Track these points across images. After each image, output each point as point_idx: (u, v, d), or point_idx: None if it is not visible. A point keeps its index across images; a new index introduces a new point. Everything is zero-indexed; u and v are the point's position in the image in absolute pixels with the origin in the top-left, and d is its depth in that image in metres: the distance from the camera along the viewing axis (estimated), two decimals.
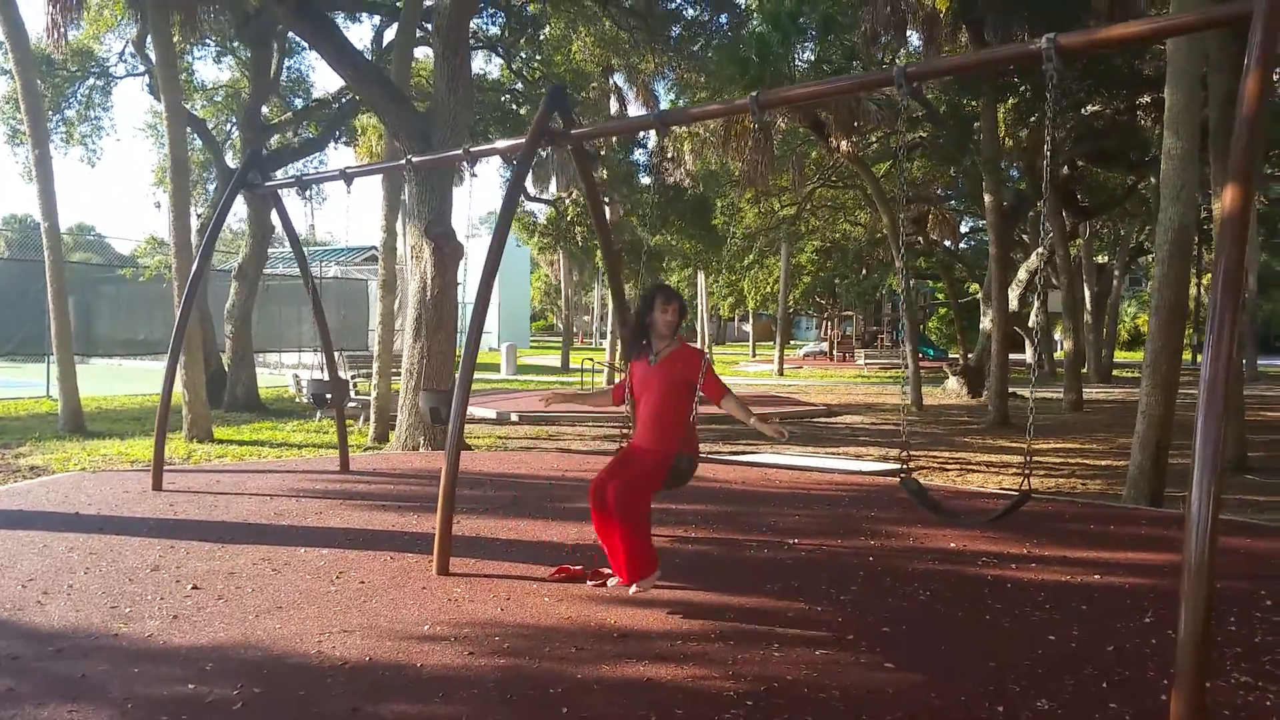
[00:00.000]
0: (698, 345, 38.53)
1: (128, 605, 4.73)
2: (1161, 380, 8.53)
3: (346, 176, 7.18)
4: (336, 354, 23.84)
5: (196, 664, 3.97)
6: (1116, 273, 32.79)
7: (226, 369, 17.15)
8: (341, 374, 16.27)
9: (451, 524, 5.50)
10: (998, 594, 5.20)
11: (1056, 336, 39.09)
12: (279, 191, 8.52)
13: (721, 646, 4.25)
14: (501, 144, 6.36)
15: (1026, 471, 4.28)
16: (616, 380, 5.55)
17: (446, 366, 9.89)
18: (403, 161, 6.74)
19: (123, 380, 22.42)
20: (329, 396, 8.16)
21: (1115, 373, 32.30)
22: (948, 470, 11.39)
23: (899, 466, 4.49)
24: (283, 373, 16.09)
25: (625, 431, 5.38)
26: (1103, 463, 12.34)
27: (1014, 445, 13.85)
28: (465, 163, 6.53)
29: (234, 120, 19.07)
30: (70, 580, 5.16)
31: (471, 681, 3.78)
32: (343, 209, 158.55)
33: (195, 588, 5.05)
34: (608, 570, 5.41)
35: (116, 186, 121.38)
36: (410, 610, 4.72)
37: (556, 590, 5.12)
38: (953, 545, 6.36)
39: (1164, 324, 8.33)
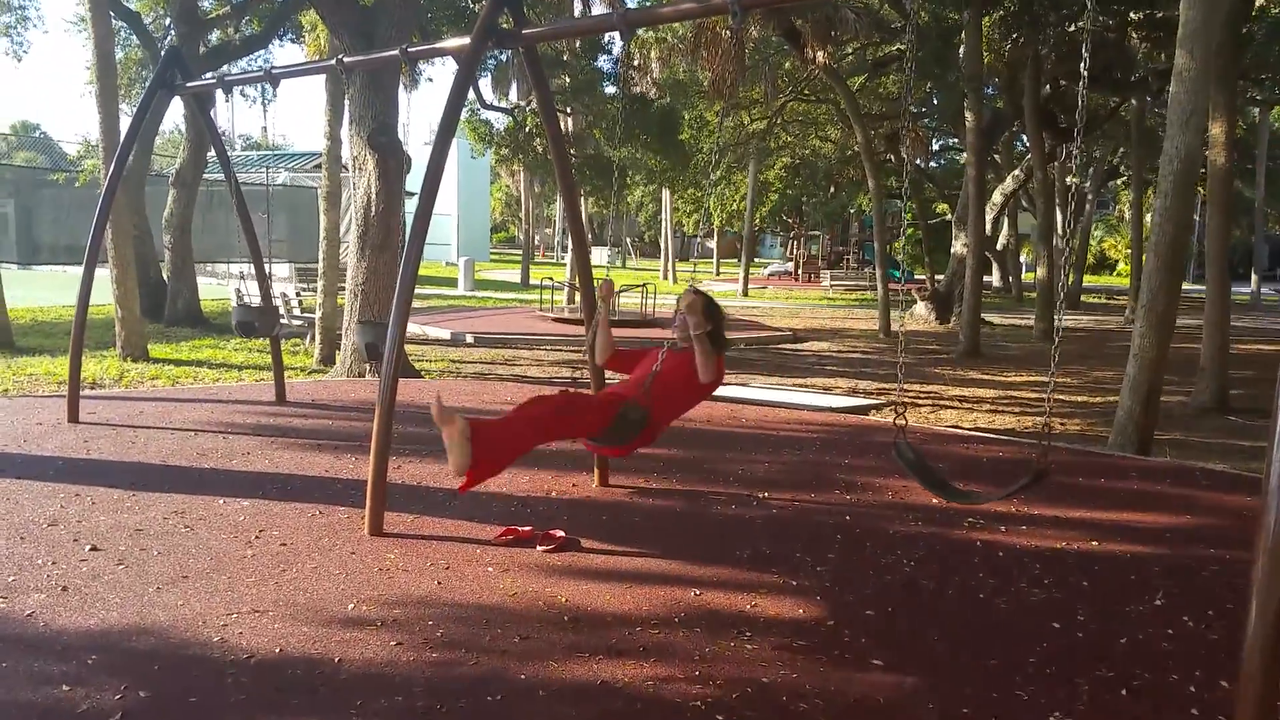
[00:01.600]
0: (660, 264, 37.60)
1: (11, 572, 4.12)
2: (1157, 320, 8.03)
3: (272, 78, 6.39)
4: (287, 265, 22.97)
5: (78, 655, 3.39)
6: (1090, 197, 32.33)
7: (167, 281, 16.25)
8: (287, 288, 15.48)
9: (385, 478, 4.92)
10: (989, 565, 4.73)
11: (1022, 260, 38.85)
12: (211, 93, 7.71)
13: (686, 636, 3.74)
14: (444, 44, 5.61)
15: (1045, 442, 3.69)
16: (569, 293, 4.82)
17: (391, 289, 9.18)
18: (332, 61, 5.96)
19: (65, 290, 21.35)
20: (256, 325, 7.47)
21: (1084, 299, 32.15)
22: (920, 406, 10.95)
23: (893, 428, 3.92)
24: (230, 284, 15.25)
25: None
26: (1079, 398, 11.99)
27: (987, 378, 13.48)
28: (405, 63, 5.76)
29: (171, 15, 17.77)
30: None
31: (396, 685, 3.24)
32: (300, 110, 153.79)
33: (94, 548, 4.45)
34: (559, 532, 4.89)
35: (64, 84, 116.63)
36: (335, 582, 4.16)
37: (502, 557, 4.58)
38: (935, 501, 5.85)
39: (1164, 261, 7.80)
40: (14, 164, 35.65)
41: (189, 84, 7.22)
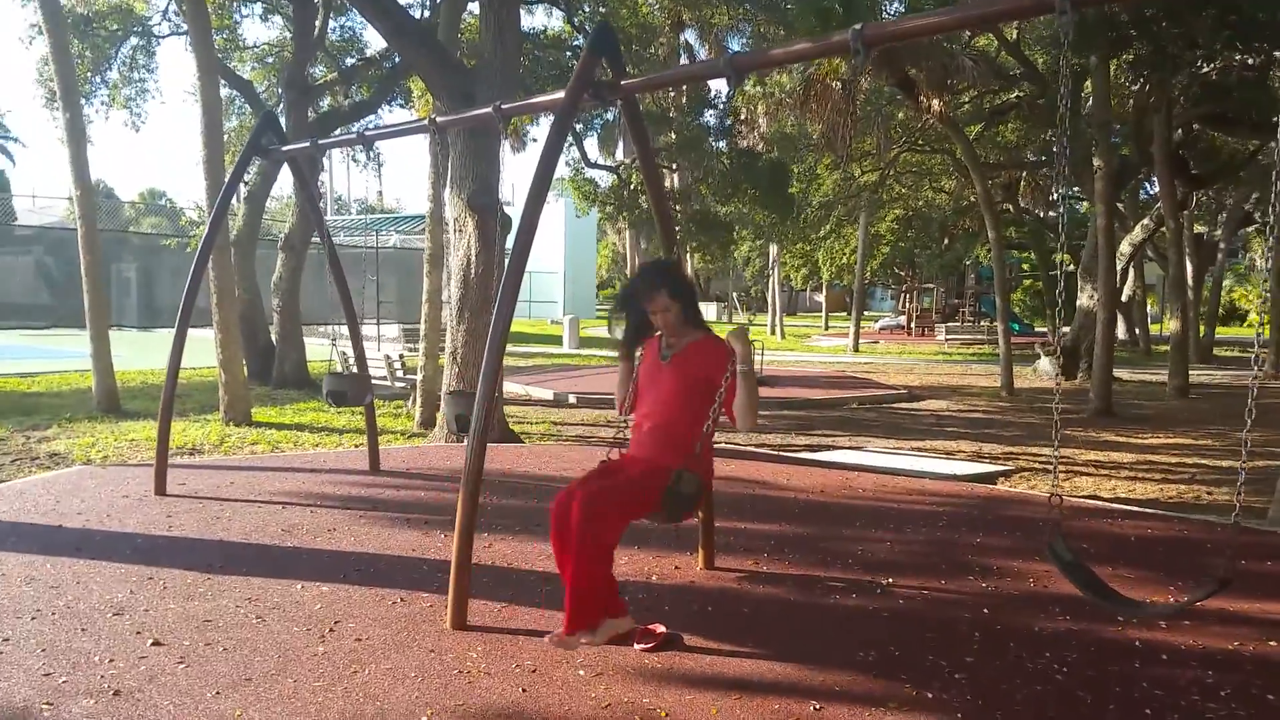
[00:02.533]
0: (769, 319, 37.11)
1: (65, 671, 3.82)
2: None
3: (365, 140, 6.21)
4: (395, 327, 23.21)
5: None
6: (1221, 245, 30.57)
7: (275, 343, 16.45)
8: (394, 349, 15.46)
9: (469, 566, 4.48)
10: (1152, 671, 4.04)
11: (1150, 312, 36.95)
12: (312, 157, 7.63)
13: None
14: (538, 99, 5.30)
15: (1230, 552, 3.05)
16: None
17: None
18: (424, 122, 5.71)
19: (186, 353, 22.00)
20: (347, 394, 7.22)
21: (1216, 351, 30.25)
22: (1051, 472, 10.10)
23: (1050, 534, 3.36)
24: (333, 348, 15.41)
25: (620, 437, 4.28)
26: (1224, 463, 10.94)
27: (1122, 440, 12.48)
28: (501, 122, 5.47)
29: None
30: (11, 628, 4.28)
31: None
32: (414, 175, 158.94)
33: (156, 643, 4.13)
34: (659, 627, 4.37)
35: (187, 153, 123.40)
36: (409, 688, 3.73)
37: (595, 657, 4.09)
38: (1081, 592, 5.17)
39: None
40: (141, 230, 37.35)
41: (283, 148, 7.11)
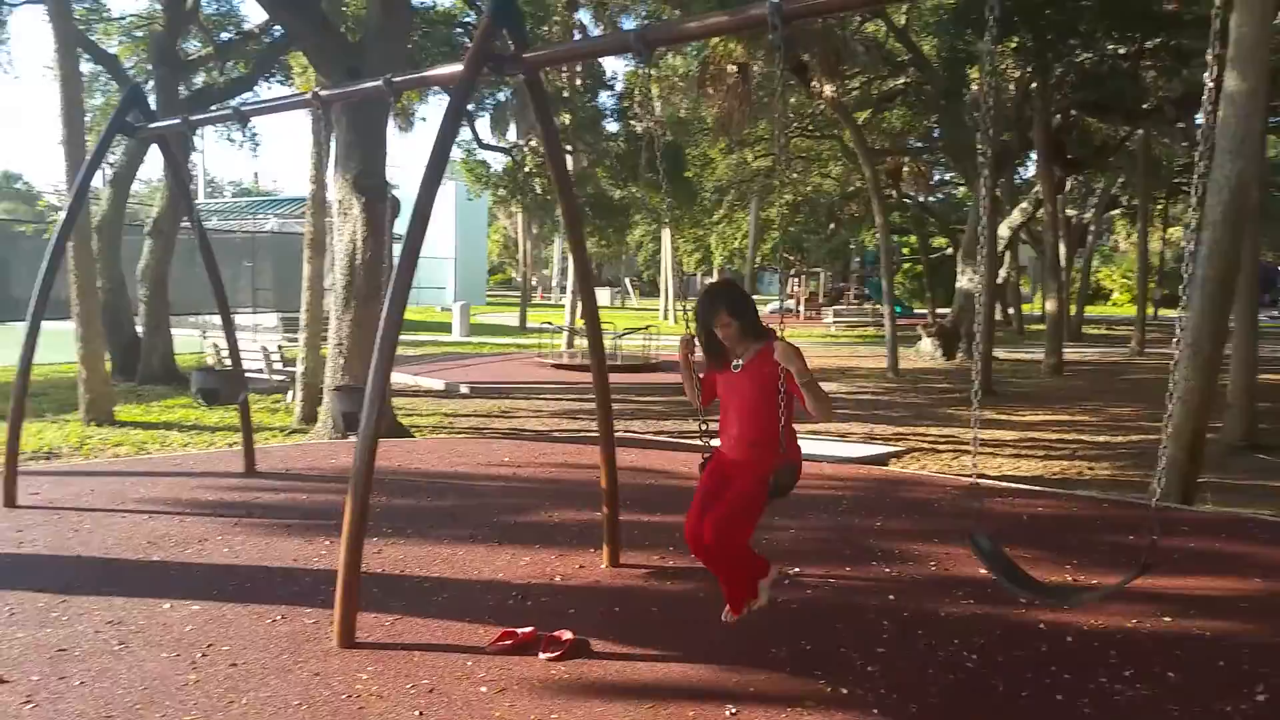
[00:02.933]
0: (660, 304, 36.95)
1: None
2: (1203, 364, 7.39)
3: (240, 115, 5.77)
4: (274, 315, 22.28)
5: None
6: (1091, 228, 31.81)
7: (142, 336, 15.50)
8: (271, 340, 14.75)
9: (358, 579, 4.16)
10: (1059, 654, 4.07)
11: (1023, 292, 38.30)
12: (183, 135, 7.08)
13: None
14: (434, 72, 4.95)
15: (1154, 535, 3.00)
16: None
17: None
18: (308, 95, 5.30)
19: (42, 347, 20.68)
20: (220, 391, 6.73)
21: (1085, 329, 31.51)
22: (940, 451, 10.25)
23: (972, 525, 3.27)
24: (211, 337, 14.57)
25: (709, 442, 4.38)
26: (1101, 438, 11.31)
27: (1004, 418, 12.79)
28: (393, 97, 5.11)
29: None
30: None
31: None
32: (293, 156, 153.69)
33: (0, 680, 3.69)
34: (565, 634, 4.14)
35: (48, 132, 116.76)
36: (293, 717, 3.40)
37: (498, 670, 3.83)
38: (983, 573, 5.10)
39: (1210, 299, 7.13)
40: None
41: (150, 125, 6.56)
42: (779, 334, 4.02)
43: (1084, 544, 5.79)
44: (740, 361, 4.20)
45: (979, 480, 3.58)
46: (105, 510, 6.35)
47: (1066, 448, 10.62)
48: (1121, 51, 15.98)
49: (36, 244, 25.31)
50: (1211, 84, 2.97)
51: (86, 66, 15.96)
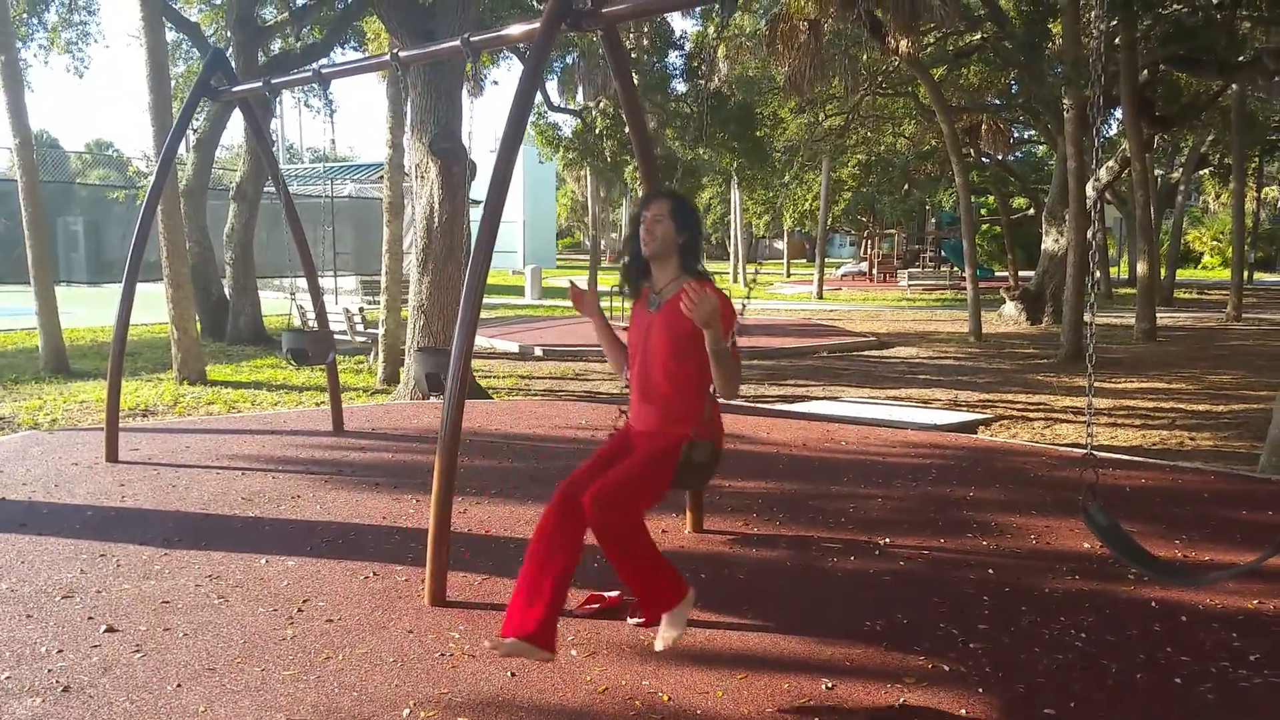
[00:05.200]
0: (731, 266, 36.73)
1: (9, 666, 3.48)
2: None
3: (321, 77, 5.75)
4: (353, 279, 22.60)
5: None
6: (1180, 188, 30.64)
7: (229, 298, 15.88)
8: (352, 302, 14.98)
9: (447, 538, 4.18)
10: (1175, 635, 3.84)
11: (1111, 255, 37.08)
12: (264, 98, 7.15)
13: None
14: (511, 29, 4.89)
15: None
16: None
17: (455, 305, 8.53)
18: (386, 56, 5.28)
19: (136, 309, 21.31)
20: (309, 352, 6.83)
21: (1176, 294, 30.45)
22: (1031, 420, 9.98)
23: (1082, 495, 3.13)
24: (297, 299, 14.86)
25: (622, 409, 3.73)
26: (1200, 407, 10.88)
27: (1098, 386, 12.36)
28: (469, 57, 5.06)
29: None
30: None
31: None
32: (369, 122, 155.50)
33: (110, 629, 3.80)
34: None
35: (135, 100, 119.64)
36: (388, 675, 3.44)
37: (588, 634, 3.83)
38: (1086, 546, 4.99)
39: None
40: (88, 182, 36.07)
41: (233, 88, 6.62)
42: (716, 284, 3.32)
43: (1193, 517, 5.55)
44: (658, 298, 3.45)
45: (1094, 452, 3.40)
46: (201, 466, 6.52)
47: (1165, 416, 10.26)
48: (1215, 1, 15.25)
49: (128, 209, 26.08)
50: None
51: (170, 35, 16.22)
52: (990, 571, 4.61)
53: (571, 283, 3.98)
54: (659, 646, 3.47)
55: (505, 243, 45.79)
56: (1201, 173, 35.32)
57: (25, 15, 16.09)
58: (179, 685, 3.34)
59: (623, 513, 3.18)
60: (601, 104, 20.76)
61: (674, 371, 3.38)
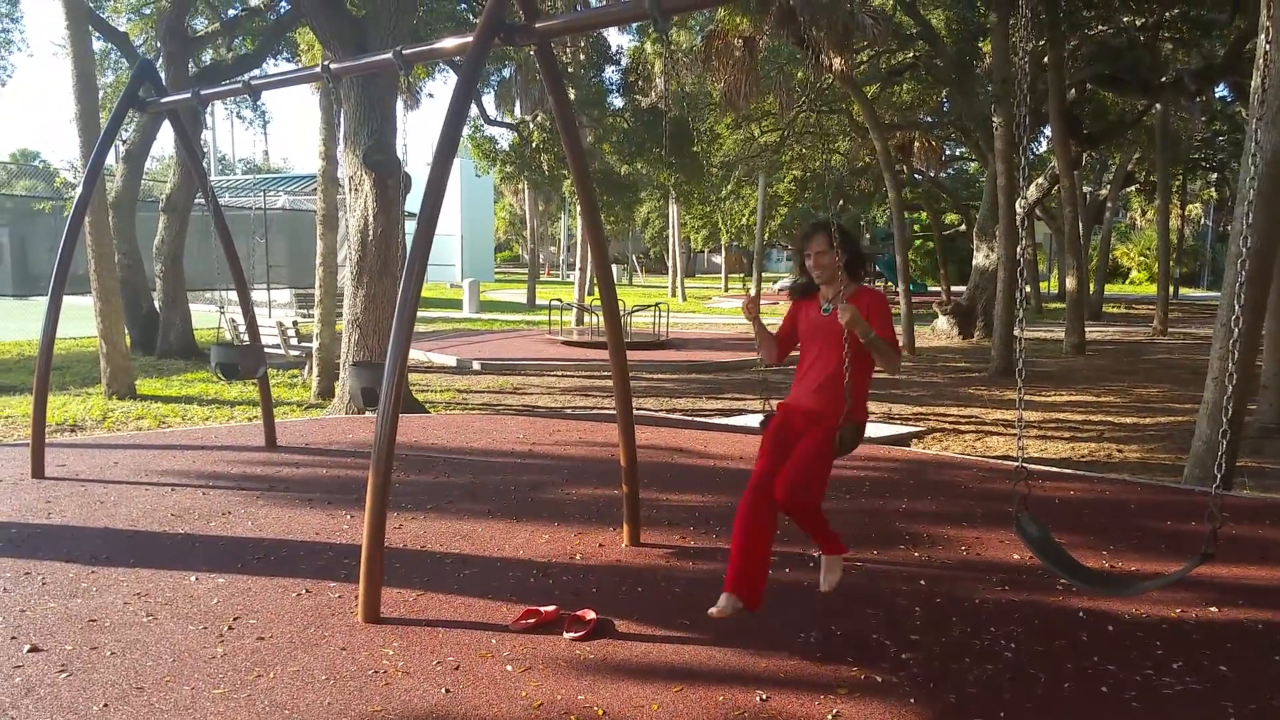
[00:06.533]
0: (669, 280, 36.81)
1: None
2: (1243, 341, 7.24)
3: (251, 89, 5.68)
4: (287, 291, 22.25)
5: None
6: (1109, 204, 31.53)
7: (159, 311, 15.53)
8: (286, 315, 14.76)
9: (382, 554, 4.13)
10: (1101, 643, 3.95)
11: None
12: (194, 110, 7.02)
13: None
14: (445, 42, 4.88)
15: (1215, 523, 2.87)
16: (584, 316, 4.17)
17: (390, 319, 8.45)
18: (317, 68, 5.23)
19: (63, 322, 20.70)
20: (239, 366, 6.71)
21: (1106, 308, 31.30)
22: (963, 433, 10.18)
23: (1014, 506, 3.21)
24: (229, 312, 14.61)
25: (770, 400, 4.34)
26: (1128, 420, 11.19)
27: (1028, 399, 12.65)
28: (402, 69, 5.04)
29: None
30: None
31: None
32: (302, 132, 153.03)
33: (34, 649, 3.70)
34: (589, 613, 4.12)
35: (62, 110, 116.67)
36: (320, 693, 3.39)
37: (523, 649, 3.81)
38: (1016, 557, 5.12)
39: (1251, 275, 6.97)
40: (13, 193, 35.05)
41: (162, 99, 6.51)
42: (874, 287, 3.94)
43: (1120, 529, 5.71)
44: (830, 305, 4.05)
45: (1024, 465, 3.49)
46: (130, 482, 6.36)
47: (1093, 429, 10.53)
48: (1139, 23, 15.77)
49: (55, 220, 25.37)
50: (1269, 45, 2.88)
51: (97, 44, 15.88)
52: (922, 583, 4.69)
53: (747, 291, 4.43)
54: (824, 588, 4.18)
55: (443, 255, 45.46)
56: (1128, 190, 36.38)
57: None
58: (106, 705, 3.26)
59: (810, 498, 3.84)
60: (538, 117, 20.76)
61: (835, 365, 3.96)
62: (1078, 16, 13.52)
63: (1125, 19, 15.99)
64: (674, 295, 38.06)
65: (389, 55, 4.88)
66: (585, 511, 5.88)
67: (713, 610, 3.67)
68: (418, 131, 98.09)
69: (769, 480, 3.87)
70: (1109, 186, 31.77)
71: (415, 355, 15.84)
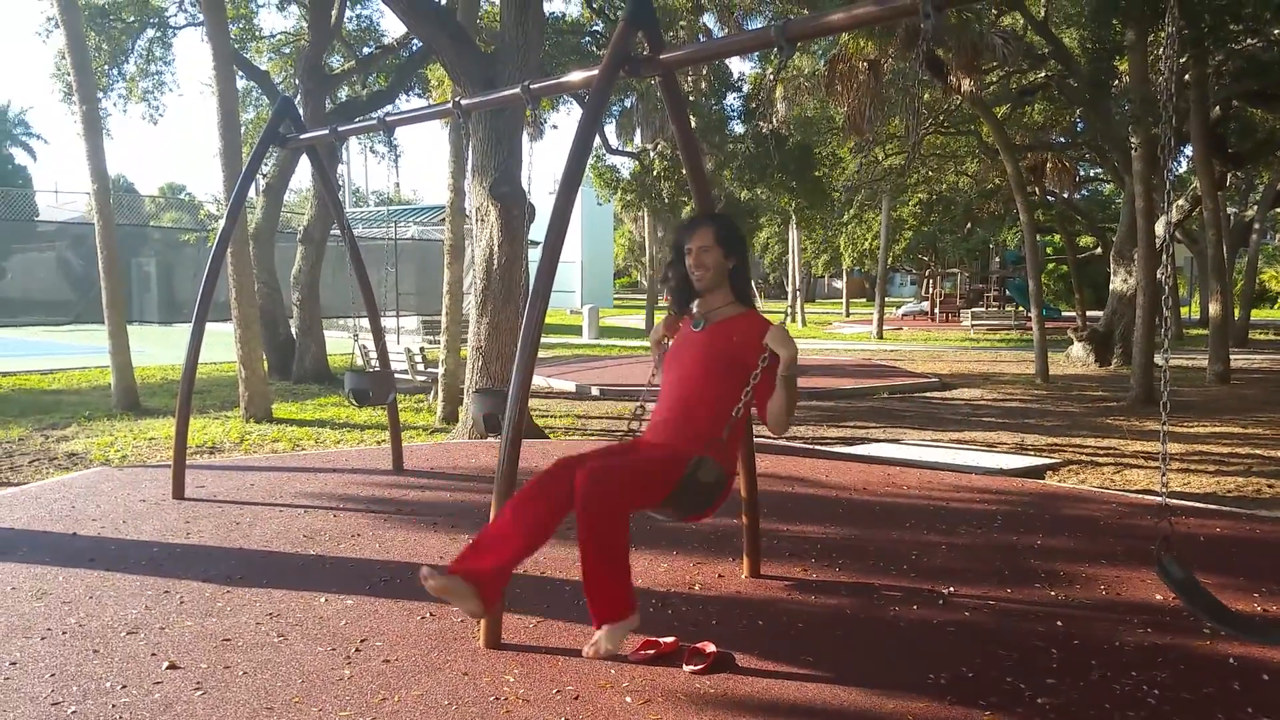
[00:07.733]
0: (787, 305, 36.68)
1: (74, 700, 3.54)
2: None
3: (386, 125, 5.88)
4: (416, 318, 22.94)
5: None
6: (1256, 225, 29.89)
7: (295, 337, 16.21)
8: (414, 342, 15.18)
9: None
10: (1257, 696, 3.67)
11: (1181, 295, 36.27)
12: (331, 145, 7.33)
13: None
14: (571, 76, 4.96)
15: None
16: None
17: (513, 346, 8.60)
18: (448, 105, 5.38)
19: (206, 347, 21.85)
20: (370, 393, 6.92)
21: (1252, 335, 29.60)
22: (1100, 465, 9.72)
23: (1156, 545, 3.02)
24: (360, 339, 15.19)
25: (637, 418, 3.92)
26: (1279, 453, 10.49)
27: (1170, 430, 12.03)
28: (529, 104, 5.13)
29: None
30: (19, 649, 4.00)
31: None
32: (432, 166, 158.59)
33: (172, 666, 3.84)
34: (709, 646, 4.05)
35: (207, 145, 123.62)
36: (442, 718, 3.42)
37: (642, 680, 3.78)
38: (1159, 598, 4.83)
39: None
40: (161, 225, 37.29)
41: (301, 135, 6.80)
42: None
43: (1273, 569, 5.35)
44: (702, 323, 3.52)
45: (1167, 501, 3.29)
46: (264, 504, 6.62)
47: (1241, 462, 9.92)
48: None
49: (199, 251, 26.90)
50: None
51: (240, 83, 16.78)
52: (1059, 623, 4.47)
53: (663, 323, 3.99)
54: (586, 653, 3.62)
55: (564, 282, 46.22)
56: (1277, 210, 34.45)
57: (106, 66, 16.76)
58: None
59: (612, 495, 3.22)
60: (659, 146, 20.96)
61: (703, 391, 3.41)
62: (1224, 30, 12.86)
63: (1277, 31, 15.18)
64: (793, 320, 37.69)
65: (517, 90, 4.97)
66: (704, 541, 5.82)
67: (429, 581, 3.21)
68: (541, 161, 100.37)
69: (572, 468, 3.36)
70: (1255, 207, 30.11)
71: (536, 381, 16.08)
